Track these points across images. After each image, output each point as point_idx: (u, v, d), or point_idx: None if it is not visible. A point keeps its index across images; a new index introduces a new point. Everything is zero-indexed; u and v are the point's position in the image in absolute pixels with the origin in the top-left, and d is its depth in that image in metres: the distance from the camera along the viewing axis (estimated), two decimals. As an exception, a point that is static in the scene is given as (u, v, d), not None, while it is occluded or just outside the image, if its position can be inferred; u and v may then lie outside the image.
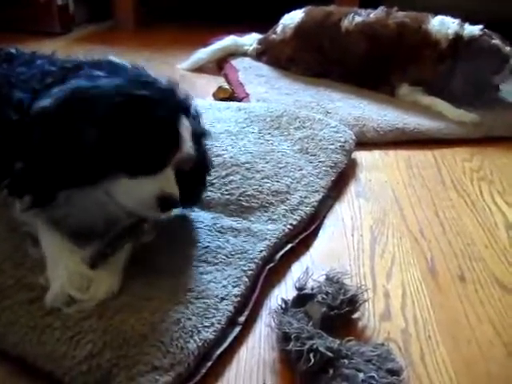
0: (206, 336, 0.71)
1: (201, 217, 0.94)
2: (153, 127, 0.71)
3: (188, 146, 0.76)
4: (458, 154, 1.38)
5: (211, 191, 1.00)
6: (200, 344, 0.69)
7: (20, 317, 0.71)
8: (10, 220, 0.85)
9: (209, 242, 0.88)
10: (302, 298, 0.79)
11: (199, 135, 0.83)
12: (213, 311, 0.75)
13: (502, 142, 1.45)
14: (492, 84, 1.56)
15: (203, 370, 0.69)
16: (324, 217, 1.06)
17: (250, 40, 1.90)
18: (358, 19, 1.67)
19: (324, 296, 0.77)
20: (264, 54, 1.84)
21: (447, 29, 1.55)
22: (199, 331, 0.71)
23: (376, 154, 1.36)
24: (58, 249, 0.79)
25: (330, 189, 1.11)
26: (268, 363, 0.73)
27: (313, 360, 0.68)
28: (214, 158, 1.07)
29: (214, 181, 1.02)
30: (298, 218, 0.98)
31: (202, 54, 1.89)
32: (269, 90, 1.58)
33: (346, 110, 1.46)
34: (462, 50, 1.53)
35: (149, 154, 0.71)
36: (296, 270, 0.90)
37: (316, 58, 1.73)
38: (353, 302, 0.78)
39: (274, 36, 1.82)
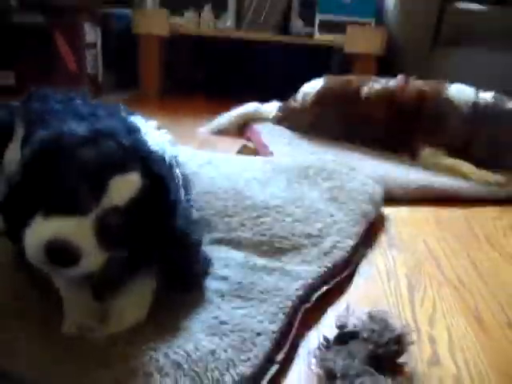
0: (243, 371, 0.64)
1: (232, 255, 0.90)
2: (72, 168, 0.65)
3: (117, 199, 0.65)
4: (487, 213, 1.35)
5: (242, 231, 0.97)
6: (237, 378, 0.63)
7: (37, 342, 0.66)
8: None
9: (242, 279, 0.83)
10: (344, 337, 0.73)
11: (162, 202, 0.70)
12: (249, 345, 0.69)
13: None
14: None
15: (240, 408, 0.62)
16: (357, 264, 1.01)
17: (271, 107, 1.96)
18: (377, 86, 1.73)
19: (369, 333, 0.71)
20: (284, 120, 1.89)
21: (466, 95, 1.59)
22: (235, 365, 0.65)
23: (403, 210, 1.33)
24: (71, 285, 0.74)
25: (361, 237, 1.07)
26: (310, 405, 0.66)
27: (363, 398, 0.61)
28: (243, 201, 1.06)
29: (245, 222, 0.99)
30: (332, 261, 0.94)
31: (224, 118, 1.94)
32: (292, 150, 1.60)
33: (370, 168, 1.46)
34: (481, 115, 1.56)
35: (60, 193, 0.64)
36: (332, 314, 0.84)
37: (336, 124, 1.77)
38: (400, 342, 0.72)
39: (294, 104, 1.87)
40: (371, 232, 1.15)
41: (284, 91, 1.94)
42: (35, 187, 0.67)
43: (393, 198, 1.36)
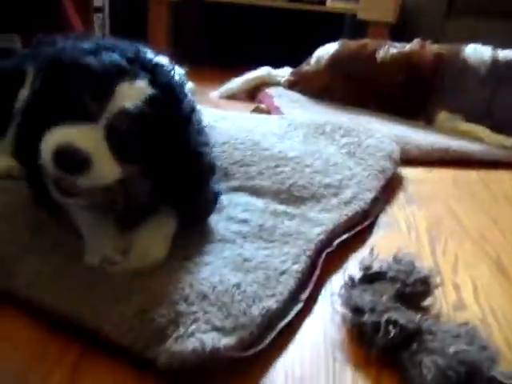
0: (269, 305, 0.63)
1: (251, 201, 0.88)
2: (77, 76, 0.64)
3: (124, 103, 0.62)
4: (504, 175, 1.32)
5: (261, 180, 0.95)
6: (263, 312, 0.62)
7: (60, 275, 0.64)
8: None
9: (263, 222, 0.81)
10: (370, 278, 0.71)
11: (176, 113, 0.68)
12: (274, 282, 0.67)
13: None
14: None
15: (267, 341, 0.60)
16: (376, 217, 0.99)
17: (283, 72, 1.92)
18: (393, 50, 1.69)
19: (396, 273, 0.69)
20: (297, 84, 1.85)
21: (483, 55, 1.56)
22: (261, 299, 0.63)
23: (420, 170, 1.31)
24: (91, 216, 0.73)
25: (380, 192, 1.05)
26: (335, 342, 0.64)
27: (392, 332, 0.59)
28: (261, 152, 1.04)
29: (264, 171, 0.97)
30: (353, 210, 0.92)
31: (235, 83, 1.90)
32: (305, 112, 1.57)
33: (386, 129, 1.43)
34: (502, 74, 1.52)
35: (67, 101, 0.63)
36: (355, 260, 0.83)
37: (350, 88, 1.73)
38: (426, 284, 0.70)
39: (307, 67, 1.83)
40: (388, 188, 1.13)
41: (293, 58, 1.90)
42: (47, 103, 0.65)
43: (409, 158, 1.33)
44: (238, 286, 0.63)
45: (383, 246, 0.89)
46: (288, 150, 1.05)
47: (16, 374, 0.55)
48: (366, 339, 0.62)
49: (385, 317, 0.61)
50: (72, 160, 0.61)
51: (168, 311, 0.57)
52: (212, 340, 0.55)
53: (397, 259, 0.74)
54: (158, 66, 0.69)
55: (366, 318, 0.62)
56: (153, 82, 0.66)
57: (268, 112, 1.56)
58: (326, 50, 1.79)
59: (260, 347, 0.58)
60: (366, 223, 0.93)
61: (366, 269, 0.72)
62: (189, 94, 0.76)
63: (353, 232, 0.89)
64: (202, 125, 0.78)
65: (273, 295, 0.65)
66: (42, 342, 0.58)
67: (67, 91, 0.64)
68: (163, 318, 0.57)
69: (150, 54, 0.72)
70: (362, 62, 1.71)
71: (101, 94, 0.62)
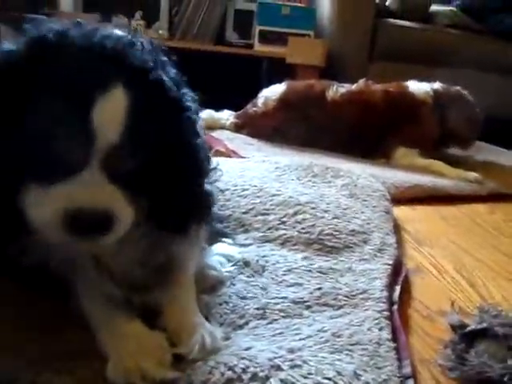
0: (392, 392, 0.49)
1: (288, 257, 0.74)
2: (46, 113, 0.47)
3: (115, 133, 0.47)
4: (480, 209, 1.32)
5: (285, 229, 0.81)
6: (392, 403, 0.47)
7: None
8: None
9: (318, 284, 0.67)
10: (471, 336, 0.60)
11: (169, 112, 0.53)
12: (379, 360, 0.53)
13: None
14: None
15: None
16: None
17: (225, 115, 1.81)
18: (342, 90, 1.67)
19: (505, 328, 0.59)
20: (244, 127, 1.75)
21: (424, 88, 1.62)
22: (382, 387, 0.49)
23: (404, 209, 1.25)
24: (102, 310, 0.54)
25: (394, 233, 0.96)
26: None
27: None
28: (270, 198, 0.90)
29: (284, 219, 0.83)
30: (390, 258, 0.81)
31: (176, 128, 1.75)
32: (266, 155, 1.46)
33: (356, 168, 1.38)
34: (445, 100, 1.61)
35: (46, 153, 0.48)
36: (416, 316, 0.72)
37: (303, 128, 1.67)
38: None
39: (254, 109, 1.75)
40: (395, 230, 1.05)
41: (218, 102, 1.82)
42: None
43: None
44: (356, 375, 0.48)
45: (432, 294, 0.80)
46: (297, 195, 0.92)
47: None
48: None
49: (533, 387, 0.50)
50: (94, 222, 0.47)
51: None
52: None
53: (484, 311, 0.64)
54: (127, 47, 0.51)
55: (511, 391, 0.50)
56: (130, 81, 0.48)
57: (228, 156, 1.42)
58: (273, 92, 1.73)
59: None
60: (404, 271, 0.83)
61: (462, 326, 0.61)
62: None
63: (400, 282, 0.78)
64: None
65: (389, 378, 0.50)
66: None
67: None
68: None
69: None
70: (313, 103, 1.67)
71: (74, 133, 0.47)
